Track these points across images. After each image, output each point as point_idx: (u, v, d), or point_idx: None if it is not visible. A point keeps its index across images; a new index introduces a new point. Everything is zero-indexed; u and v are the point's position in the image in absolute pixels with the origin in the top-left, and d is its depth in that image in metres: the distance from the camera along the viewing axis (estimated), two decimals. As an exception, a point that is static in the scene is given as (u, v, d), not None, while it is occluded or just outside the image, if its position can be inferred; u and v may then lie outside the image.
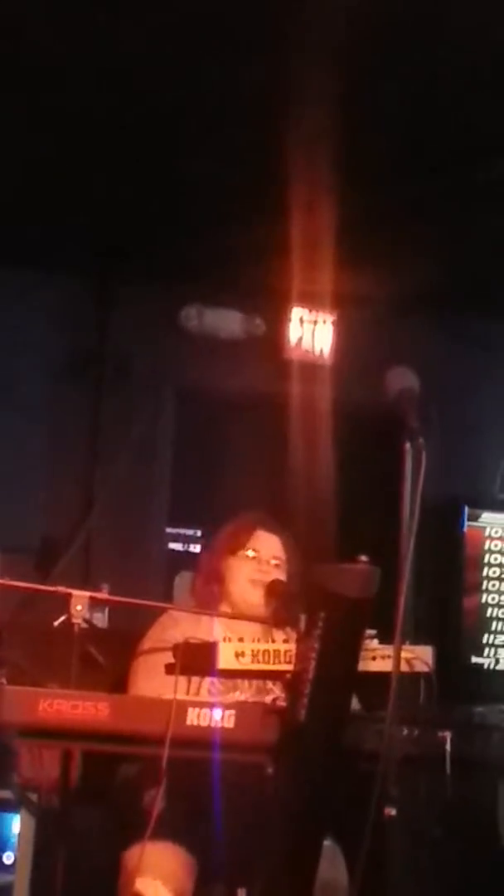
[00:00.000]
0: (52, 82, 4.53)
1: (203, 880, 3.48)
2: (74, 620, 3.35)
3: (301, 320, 6.35)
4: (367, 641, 3.22)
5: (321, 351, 6.38)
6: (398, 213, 5.33)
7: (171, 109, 4.71)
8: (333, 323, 6.35)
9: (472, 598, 6.40)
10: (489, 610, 6.41)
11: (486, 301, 6.38)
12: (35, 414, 6.23)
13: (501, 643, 6.39)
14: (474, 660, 6.34)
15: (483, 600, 6.41)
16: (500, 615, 6.42)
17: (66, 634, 3.36)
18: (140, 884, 3.27)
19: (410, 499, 2.99)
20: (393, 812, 2.87)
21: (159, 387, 6.43)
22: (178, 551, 6.53)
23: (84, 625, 3.38)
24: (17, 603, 4.62)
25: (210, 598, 3.99)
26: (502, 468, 6.65)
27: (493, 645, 6.38)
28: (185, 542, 6.56)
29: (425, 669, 3.41)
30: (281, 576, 3.98)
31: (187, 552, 6.47)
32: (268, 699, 3.58)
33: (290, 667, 3.09)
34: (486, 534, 6.45)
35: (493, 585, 6.44)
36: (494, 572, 6.44)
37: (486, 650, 6.37)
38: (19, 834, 4.18)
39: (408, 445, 3.03)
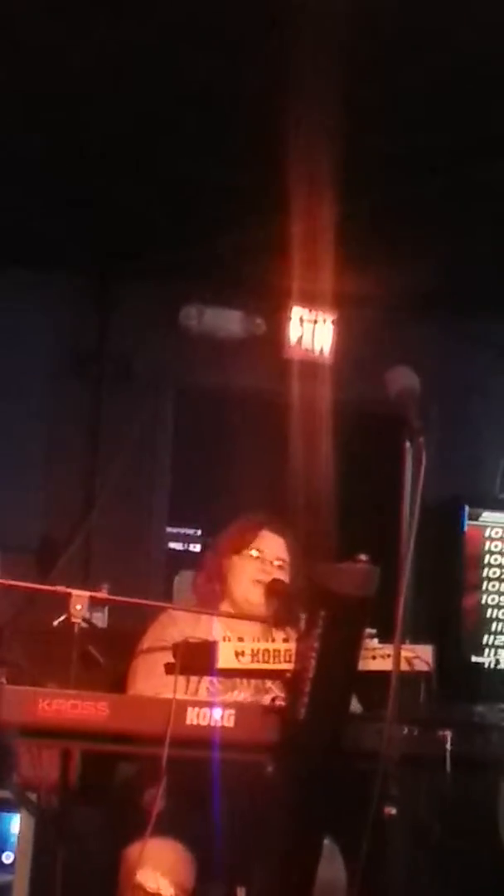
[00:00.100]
0: (52, 82, 4.53)
1: (203, 879, 3.48)
2: (74, 620, 3.35)
3: (301, 320, 6.35)
4: (367, 640, 3.22)
5: (321, 350, 6.38)
6: (398, 213, 5.33)
7: (172, 109, 4.71)
8: (333, 322, 6.35)
9: (472, 598, 6.40)
10: (489, 609, 6.41)
11: (486, 300, 6.38)
12: (35, 414, 6.24)
13: (501, 642, 6.39)
14: (474, 659, 6.34)
15: (483, 599, 6.41)
16: (500, 614, 6.42)
17: (66, 634, 3.36)
18: (141, 875, 3.27)
19: (410, 498, 2.98)
20: (393, 811, 2.87)
21: (159, 386, 6.44)
22: (178, 551, 6.54)
23: (84, 624, 3.37)
24: (17, 602, 4.62)
25: (212, 596, 3.99)
26: (502, 468, 6.65)
27: (493, 644, 6.38)
28: (185, 541, 6.57)
29: (425, 668, 3.40)
30: (284, 577, 3.97)
31: (187, 551, 6.48)
32: (266, 698, 3.58)
33: (289, 666, 3.08)
34: (486, 533, 6.45)
35: (493, 585, 6.44)
36: (494, 572, 6.44)
37: (486, 649, 6.37)
38: (19, 834, 4.18)
39: (408, 445, 3.02)
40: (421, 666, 3.40)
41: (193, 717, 2.98)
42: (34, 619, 4.00)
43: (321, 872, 3.22)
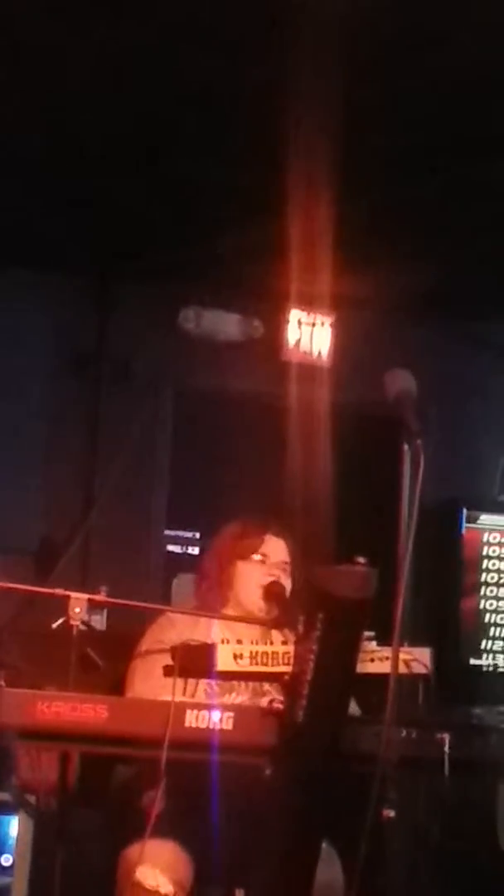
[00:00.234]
0: (52, 82, 4.53)
1: (201, 881, 3.48)
2: (73, 622, 3.34)
3: (299, 322, 6.35)
4: (366, 643, 3.21)
5: (319, 353, 6.38)
6: (397, 214, 5.33)
7: (172, 109, 4.71)
8: (332, 325, 6.35)
9: (471, 600, 6.40)
10: (487, 611, 6.41)
11: (484, 302, 6.38)
12: (34, 414, 6.24)
13: (499, 645, 6.39)
14: (472, 661, 6.34)
15: (481, 602, 6.41)
16: (499, 617, 6.41)
17: (65, 636, 3.35)
18: (140, 873, 3.27)
19: (409, 500, 2.98)
20: (391, 814, 2.86)
21: (158, 388, 6.44)
22: (177, 553, 6.54)
23: (82, 627, 3.37)
24: (16, 605, 4.62)
25: (217, 602, 3.98)
26: (501, 470, 6.65)
27: (491, 647, 6.38)
28: (184, 544, 6.57)
29: (423, 671, 3.40)
30: (287, 579, 3.97)
31: (186, 554, 6.48)
32: (264, 701, 3.57)
33: (288, 668, 3.08)
34: (485, 535, 6.45)
35: (492, 589, 6.43)
36: (493, 577, 6.44)
37: (485, 652, 6.37)
38: (17, 836, 4.18)
39: (406, 447, 3.02)
40: (419, 668, 3.40)
41: (192, 719, 2.97)
42: (33, 621, 4.00)
43: (319, 875, 3.22)
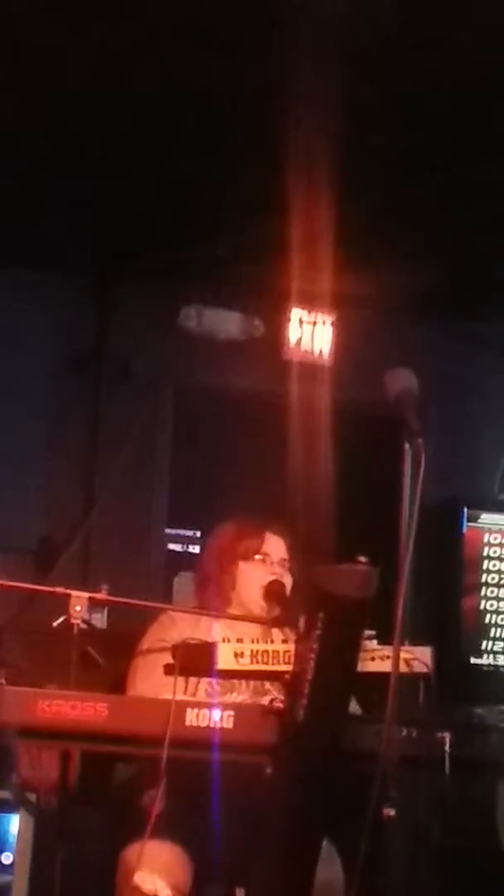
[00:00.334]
0: (52, 82, 4.53)
1: (202, 880, 3.48)
2: (73, 621, 3.35)
3: (300, 321, 6.34)
4: (366, 642, 3.22)
5: (320, 352, 6.37)
6: (398, 214, 5.33)
7: (172, 109, 4.71)
8: (333, 324, 6.35)
9: (471, 599, 6.40)
10: (488, 611, 6.41)
11: (485, 301, 6.38)
12: (34, 414, 6.24)
13: (500, 644, 6.39)
14: (473, 660, 6.34)
15: (482, 601, 6.41)
16: (499, 616, 6.41)
17: (65, 635, 3.36)
18: (138, 878, 3.27)
19: (409, 499, 2.98)
20: (391, 813, 2.87)
21: (158, 387, 6.44)
22: (178, 552, 6.53)
23: (83, 625, 3.37)
24: (17, 603, 4.62)
25: (220, 603, 3.98)
26: (501, 470, 6.65)
27: (492, 647, 6.38)
28: (185, 542, 6.56)
29: (424, 670, 3.40)
30: (287, 576, 3.98)
31: (187, 553, 6.48)
32: (265, 700, 3.57)
33: (288, 667, 3.08)
34: (485, 535, 6.45)
35: (493, 589, 6.43)
36: (493, 578, 6.44)
37: (485, 651, 6.37)
38: (18, 834, 4.18)
39: (407, 446, 3.02)
40: (420, 667, 3.40)
41: (193, 718, 2.97)
42: (33, 620, 4.00)
43: (320, 874, 3.22)
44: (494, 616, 6.41)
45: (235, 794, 3.13)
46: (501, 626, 6.41)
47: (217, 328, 6.30)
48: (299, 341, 6.36)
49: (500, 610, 6.42)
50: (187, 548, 6.53)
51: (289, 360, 6.37)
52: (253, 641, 3.22)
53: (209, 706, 3.02)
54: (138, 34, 4.22)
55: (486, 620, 6.40)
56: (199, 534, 6.50)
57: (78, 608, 3.35)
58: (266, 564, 3.98)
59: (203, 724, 2.98)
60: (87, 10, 4.09)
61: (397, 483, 3.03)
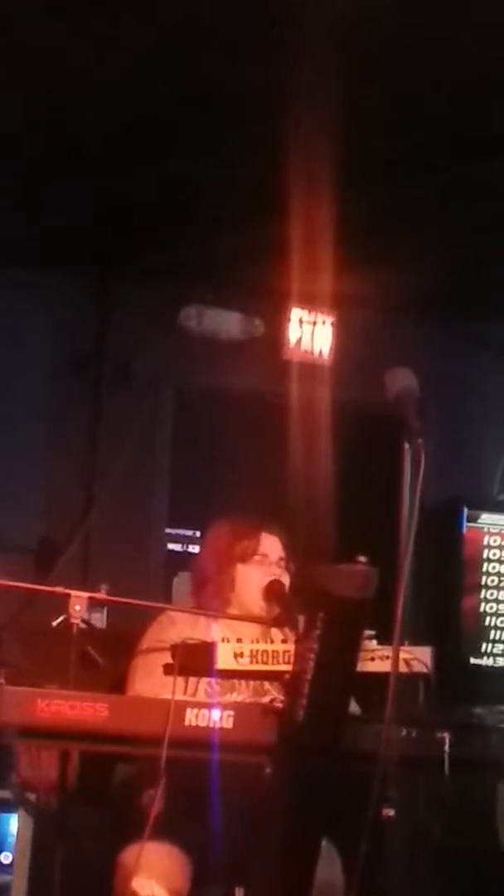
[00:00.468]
0: (52, 82, 4.53)
1: (201, 880, 3.48)
2: (73, 621, 3.34)
3: (300, 321, 6.35)
4: (366, 642, 3.22)
5: (321, 351, 6.37)
6: (398, 213, 5.33)
7: (172, 109, 4.71)
8: (333, 324, 6.35)
9: (471, 599, 6.40)
10: (488, 611, 6.41)
11: (485, 301, 6.38)
12: (34, 414, 6.23)
13: (500, 644, 6.39)
14: (473, 661, 6.34)
15: (482, 601, 6.41)
16: (500, 618, 6.41)
17: (65, 635, 3.35)
18: (136, 883, 3.27)
19: (409, 499, 2.98)
20: (391, 813, 2.87)
21: (159, 387, 6.44)
22: (177, 552, 6.53)
23: (83, 625, 3.37)
24: (16, 603, 4.62)
25: (219, 604, 3.98)
26: (501, 470, 6.65)
27: (491, 647, 6.38)
28: (184, 542, 6.56)
29: (424, 670, 3.40)
30: (285, 575, 3.98)
31: (186, 552, 6.47)
32: (265, 700, 3.58)
33: (288, 667, 3.08)
34: (485, 535, 6.45)
35: (492, 590, 6.43)
36: (493, 579, 6.43)
37: (485, 651, 6.37)
38: (17, 834, 4.19)
39: (407, 446, 3.02)
40: (419, 667, 3.40)
41: (192, 718, 2.97)
42: (33, 619, 4.00)
43: (319, 874, 3.22)
44: (494, 617, 6.41)
45: (235, 794, 3.13)
46: (501, 626, 6.41)
47: (217, 328, 6.31)
48: (299, 341, 6.36)
49: (499, 611, 6.42)
50: (187, 548, 6.53)
51: (289, 360, 6.37)
52: (252, 641, 3.22)
53: (209, 706, 3.02)
54: (138, 34, 4.22)
55: (486, 621, 6.40)
56: (198, 534, 6.50)
57: (77, 608, 3.35)
58: (264, 565, 3.97)
59: (203, 724, 2.97)
60: (87, 10, 4.09)
61: (397, 483, 3.03)
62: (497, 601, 6.42)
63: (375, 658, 3.28)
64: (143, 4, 4.07)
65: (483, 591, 6.42)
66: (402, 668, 3.24)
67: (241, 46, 4.25)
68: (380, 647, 3.30)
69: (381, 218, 5.35)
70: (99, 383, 6.32)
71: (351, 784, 2.98)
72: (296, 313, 6.33)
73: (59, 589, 3.43)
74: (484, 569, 6.43)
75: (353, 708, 3.43)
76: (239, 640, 3.20)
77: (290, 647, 3.12)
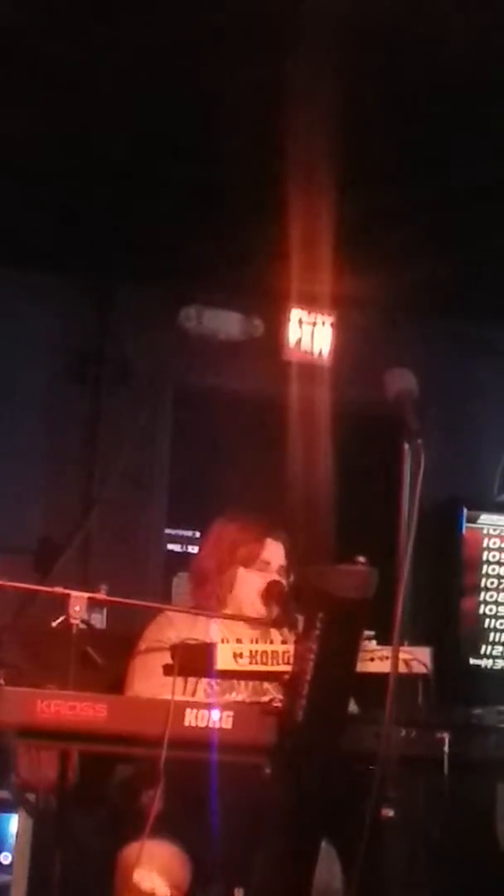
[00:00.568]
0: (52, 83, 4.53)
1: (200, 880, 3.48)
2: (73, 621, 3.35)
3: (300, 321, 6.34)
4: (366, 642, 3.22)
5: (320, 352, 6.37)
6: (398, 214, 5.32)
7: (171, 110, 4.71)
8: (332, 324, 6.35)
9: (471, 600, 6.39)
10: (488, 612, 6.41)
11: (485, 302, 6.37)
12: (34, 414, 6.23)
13: (500, 646, 6.39)
14: (472, 661, 6.34)
15: (481, 602, 6.40)
16: (499, 619, 6.41)
17: (65, 635, 3.36)
18: (137, 875, 3.28)
19: (409, 500, 2.98)
20: (390, 813, 2.87)
21: (158, 387, 6.43)
22: (177, 552, 6.53)
23: (82, 625, 3.38)
24: (16, 604, 4.63)
25: (215, 605, 3.97)
26: (501, 470, 6.65)
27: (491, 648, 6.38)
28: (184, 543, 6.56)
29: (423, 671, 3.41)
30: (284, 581, 3.98)
31: (185, 553, 6.47)
32: (264, 700, 3.57)
33: (288, 668, 3.08)
34: (485, 535, 6.44)
35: (492, 591, 6.43)
36: (492, 581, 6.43)
37: (485, 652, 6.37)
38: (17, 834, 4.19)
39: (406, 447, 3.02)
40: (419, 668, 3.40)
41: (192, 718, 2.98)
42: (33, 620, 4.01)
43: (318, 874, 3.23)
44: (493, 618, 6.41)
45: (234, 794, 3.13)
46: (500, 627, 6.41)
47: (217, 328, 6.30)
48: (299, 342, 6.35)
49: (499, 612, 6.42)
50: (186, 548, 6.52)
51: (288, 361, 6.37)
52: (252, 642, 3.22)
53: (208, 706, 3.02)
54: (138, 35, 4.21)
55: (485, 622, 6.39)
56: (198, 534, 6.50)
57: (77, 608, 3.35)
58: (265, 572, 3.97)
59: (202, 725, 2.98)
60: (87, 11, 4.09)
61: (397, 484, 3.03)
62: (496, 602, 6.42)
63: (375, 658, 3.28)
64: (144, 5, 4.06)
65: (482, 592, 6.41)
66: (402, 669, 3.24)
67: (241, 46, 4.25)
68: (379, 647, 3.30)
69: (381, 218, 5.34)
70: (99, 383, 6.31)
71: (351, 784, 2.98)
72: (295, 314, 6.33)
73: (58, 589, 3.44)
74: (483, 570, 6.43)
75: (353, 708, 3.43)
76: (238, 641, 3.21)
77: (290, 647, 3.12)
